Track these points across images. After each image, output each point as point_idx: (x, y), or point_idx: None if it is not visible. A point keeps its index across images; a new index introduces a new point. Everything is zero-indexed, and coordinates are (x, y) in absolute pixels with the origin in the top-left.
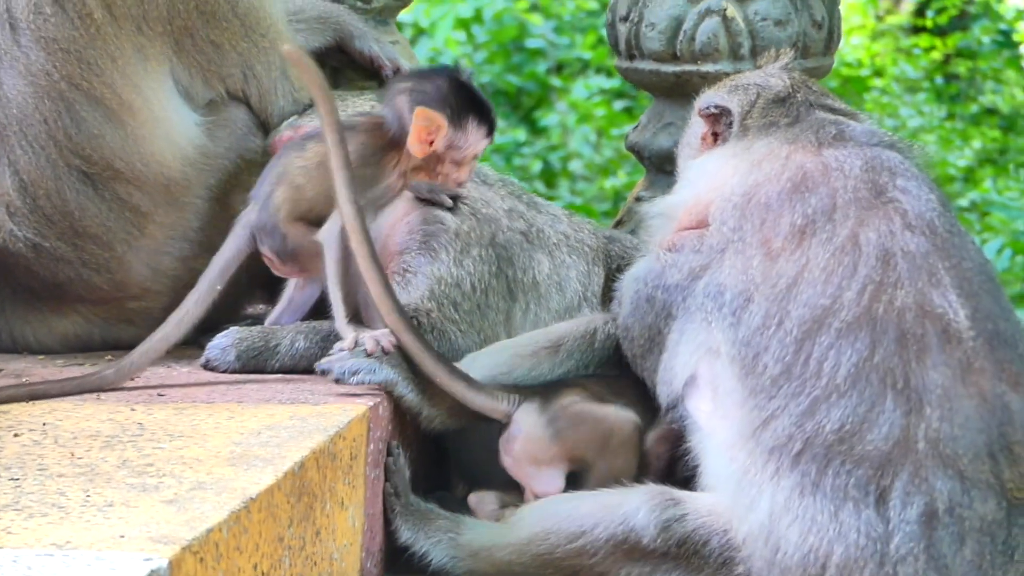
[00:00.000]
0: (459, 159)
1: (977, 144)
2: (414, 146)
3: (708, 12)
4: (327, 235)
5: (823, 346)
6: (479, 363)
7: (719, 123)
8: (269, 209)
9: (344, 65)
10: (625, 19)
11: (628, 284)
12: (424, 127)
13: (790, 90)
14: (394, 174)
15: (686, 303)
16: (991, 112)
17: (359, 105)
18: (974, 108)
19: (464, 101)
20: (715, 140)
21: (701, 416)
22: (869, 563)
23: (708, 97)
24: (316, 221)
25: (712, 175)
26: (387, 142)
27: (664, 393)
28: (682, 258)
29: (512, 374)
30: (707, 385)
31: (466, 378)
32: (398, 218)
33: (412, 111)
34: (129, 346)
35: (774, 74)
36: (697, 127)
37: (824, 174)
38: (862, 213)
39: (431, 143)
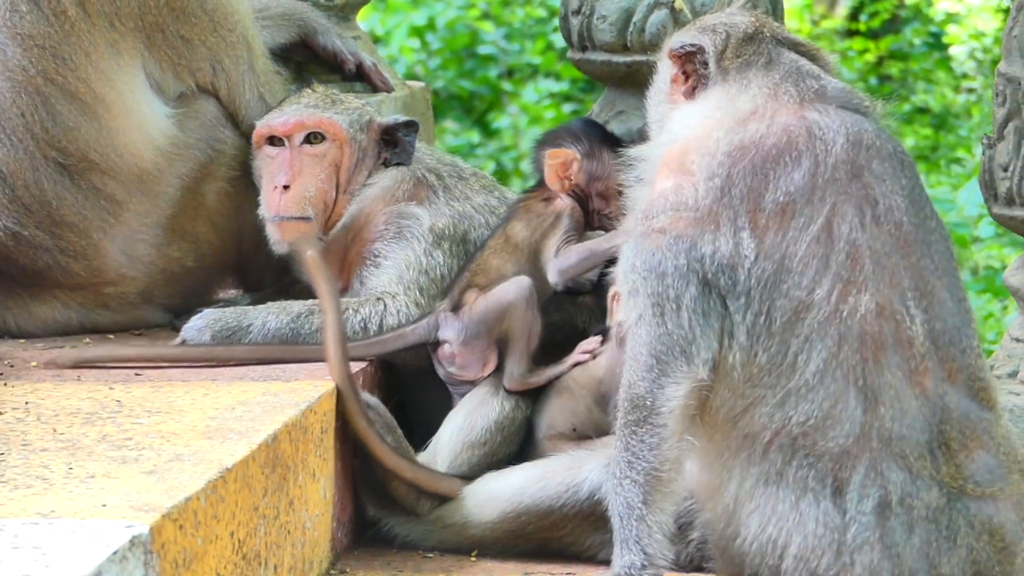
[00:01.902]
0: (603, 191)
1: (910, 142)
2: (553, 184)
3: (657, 4)
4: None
5: (800, 340)
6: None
7: (692, 62)
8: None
9: (308, 60)
10: (577, 12)
11: (627, 279)
12: (557, 164)
13: (756, 26)
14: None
15: (701, 279)
16: (923, 111)
17: (350, 100)
18: (907, 107)
19: (593, 134)
20: (686, 80)
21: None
22: (827, 552)
23: (679, 37)
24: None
25: (694, 128)
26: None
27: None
28: (669, 236)
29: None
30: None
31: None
32: (376, 209)
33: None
34: (106, 330)
35: (736, 13)
36: (666, 71)
37: (808, 142)
38: (837, 199)
39: (569, 178)
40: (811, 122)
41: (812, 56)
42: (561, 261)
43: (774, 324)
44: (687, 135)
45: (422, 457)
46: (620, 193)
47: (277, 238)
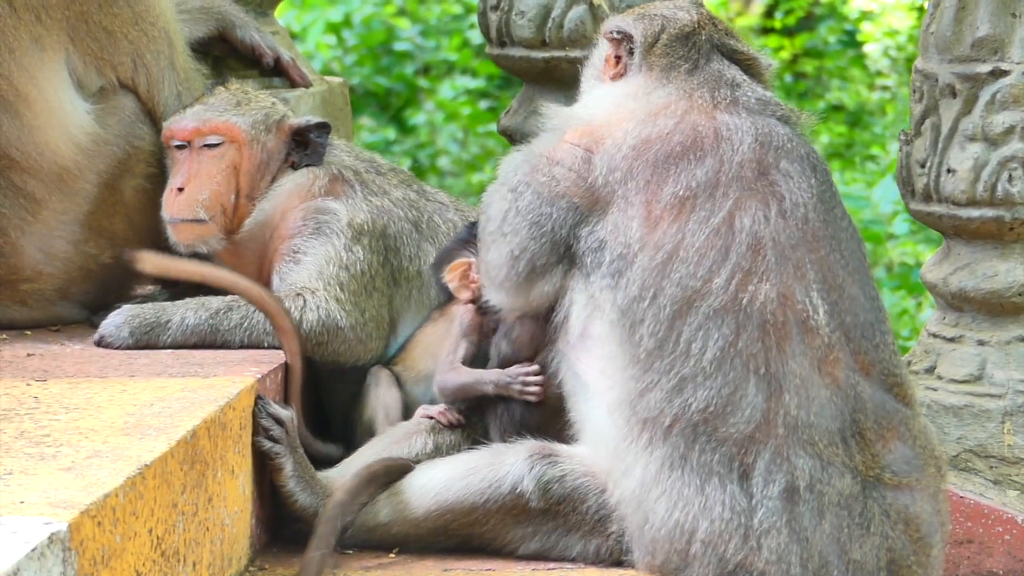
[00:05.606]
0: None
1: (825, 139)
2: (463, 294)
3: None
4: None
5: (692, 327)
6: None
7: (621, 47)
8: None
9: (226, 54)
10: (496, 8)
11: (500, 190)
12: (458, 275)
13: (696, 26)
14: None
15: (573, 250)
16: (837, 108)
17: (260, 99)
18: (821, 105)
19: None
20: (617, 62)
21: (590, 374)
22: (734, 536)
23: (615, 21)
24: None
25: (610, 111)
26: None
27: (546, 331)
28: (561, 173)
29: None
30: (597, 343)
31: None
32: (291, 205)
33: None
34: (23, 326)
35: (682, 7)
36: (602, 48)
37: (715, 142)
38: (742, 194)
39: (473, 281)
40: (720, 123)
41: (748, 64)
42: (440, 379)
43: (662, 311)
44: (602, 117)
45: (331, 473)
46: None
47: (174, 240)
